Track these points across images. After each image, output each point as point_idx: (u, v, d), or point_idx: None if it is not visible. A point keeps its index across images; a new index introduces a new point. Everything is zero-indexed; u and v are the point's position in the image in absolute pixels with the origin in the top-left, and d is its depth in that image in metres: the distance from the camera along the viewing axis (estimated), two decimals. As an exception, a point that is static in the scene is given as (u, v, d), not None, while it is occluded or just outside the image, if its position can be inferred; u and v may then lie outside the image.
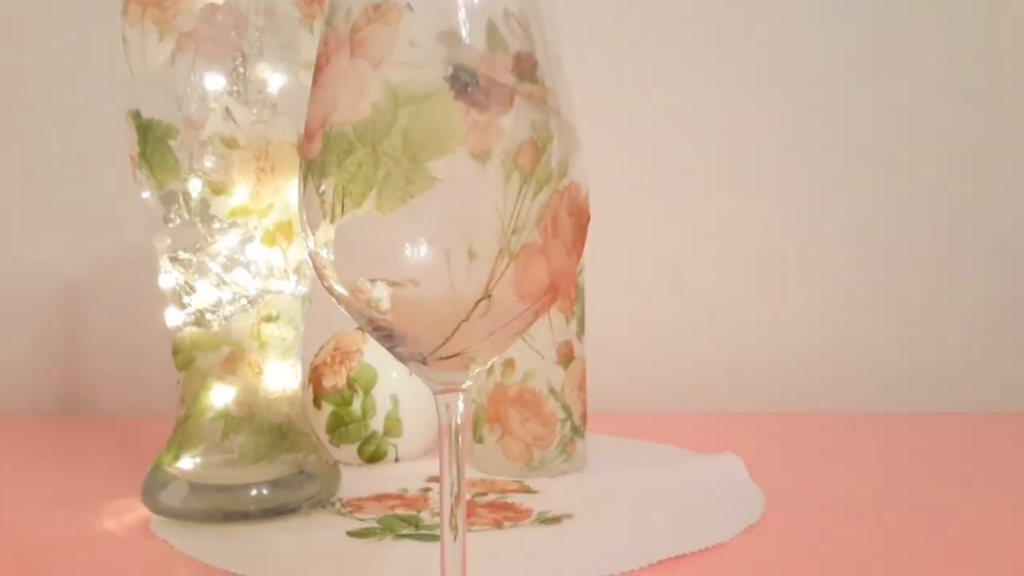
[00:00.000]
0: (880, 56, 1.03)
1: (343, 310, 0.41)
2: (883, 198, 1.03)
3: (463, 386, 0.43)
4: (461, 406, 0.43)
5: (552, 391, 0.74)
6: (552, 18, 0.40)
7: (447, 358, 0.41)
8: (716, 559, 0.56)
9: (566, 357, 0.74)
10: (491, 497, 0.68)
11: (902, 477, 0.75)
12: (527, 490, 0.70)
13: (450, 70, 0.37)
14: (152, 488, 0.63)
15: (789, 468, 0.77)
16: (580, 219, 0.40)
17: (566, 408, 0.74)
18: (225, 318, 0.62)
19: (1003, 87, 1.02)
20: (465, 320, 0.39)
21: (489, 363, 0.43)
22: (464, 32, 0.38)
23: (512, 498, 0.68)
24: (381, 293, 0.39)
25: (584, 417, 0.76)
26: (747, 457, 0.75)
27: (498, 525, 0.62)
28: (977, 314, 1.03)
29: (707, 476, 0.72)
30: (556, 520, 0.63)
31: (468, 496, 0.68)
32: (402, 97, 0.37)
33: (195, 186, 0.61)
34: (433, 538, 0.59)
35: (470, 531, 0.60)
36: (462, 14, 0.38)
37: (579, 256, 0.41)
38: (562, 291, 0.41)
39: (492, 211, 0.38)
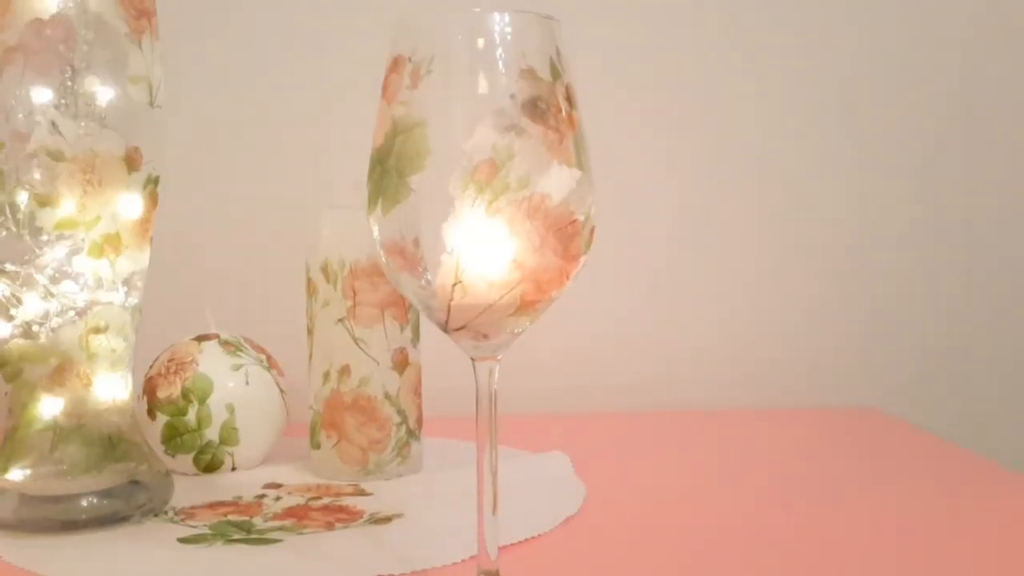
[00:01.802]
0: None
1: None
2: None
3: (496, 356, 0.50)
4: (496, 373, 0.50)
5: (387, 396, 0.76)
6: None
7: (457, 330, 0.48)
8: (536, 548, 0.60)
9: (401, 364, 0.76)
10: (325, 501, 0.69)
11: (725, 471, 0.79)
12: (362, 492, 0.72)
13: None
14: (-19, 500, 0.63)
15: (613, 464, 0.81)
16: (545, 222, 0.46)
17: (401, 412, 0.76)
18: (53, 330, 0.63)
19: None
20: (451, 300, 0.46)
21: (518, 335, 0.49)
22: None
23: (346, 501, 0.70)
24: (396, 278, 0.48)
25: (420, 421, 0.78)
26: (575, 455, 0.79)
27: (330, 527, 0.64)
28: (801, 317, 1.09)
29: (535, 473, 0.75)
30: (387, 520, 0.65)
31: (303, 500, 0.70)
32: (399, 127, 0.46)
33: (22, 198, 0.61)
34: (264, 542, 0.61)
35: (301, 534, 0.62)
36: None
37: (554, 255, 0.47)
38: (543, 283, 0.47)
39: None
